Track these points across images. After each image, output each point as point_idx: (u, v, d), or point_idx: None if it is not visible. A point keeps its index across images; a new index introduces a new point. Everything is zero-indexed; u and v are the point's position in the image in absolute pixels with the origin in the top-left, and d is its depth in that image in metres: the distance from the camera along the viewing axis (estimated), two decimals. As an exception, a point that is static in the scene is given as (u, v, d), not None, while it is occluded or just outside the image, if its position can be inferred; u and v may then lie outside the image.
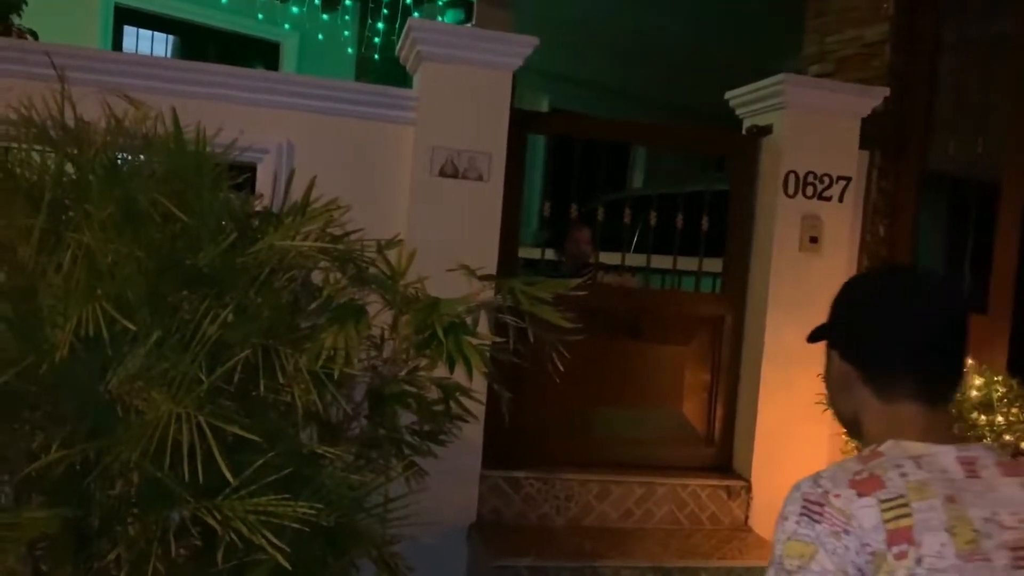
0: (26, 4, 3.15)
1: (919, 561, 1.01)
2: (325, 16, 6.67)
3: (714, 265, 3.78)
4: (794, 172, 3.48)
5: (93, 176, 1.72)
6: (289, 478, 1.63)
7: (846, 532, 1.03)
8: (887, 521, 1.02)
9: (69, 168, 1.77)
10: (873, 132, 3.65)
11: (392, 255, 2.04)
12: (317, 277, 1.98)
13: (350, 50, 6.86)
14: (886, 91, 3.59)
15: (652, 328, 3.60)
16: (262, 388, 1.71)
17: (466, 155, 3.15)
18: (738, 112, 3.79)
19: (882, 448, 1.12)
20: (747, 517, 3.50)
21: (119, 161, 1.80)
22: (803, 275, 3.44)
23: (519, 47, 3.16)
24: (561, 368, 2.00)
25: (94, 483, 1.65)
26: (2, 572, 1.58)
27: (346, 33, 6.82)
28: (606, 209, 3.77)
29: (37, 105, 1.80)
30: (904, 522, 1.02)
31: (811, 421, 3.32)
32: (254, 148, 2.82)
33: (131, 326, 1.60)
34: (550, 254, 4.33)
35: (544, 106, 7.81)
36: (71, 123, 1.80)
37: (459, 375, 1.89)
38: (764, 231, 3.57)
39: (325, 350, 1.73)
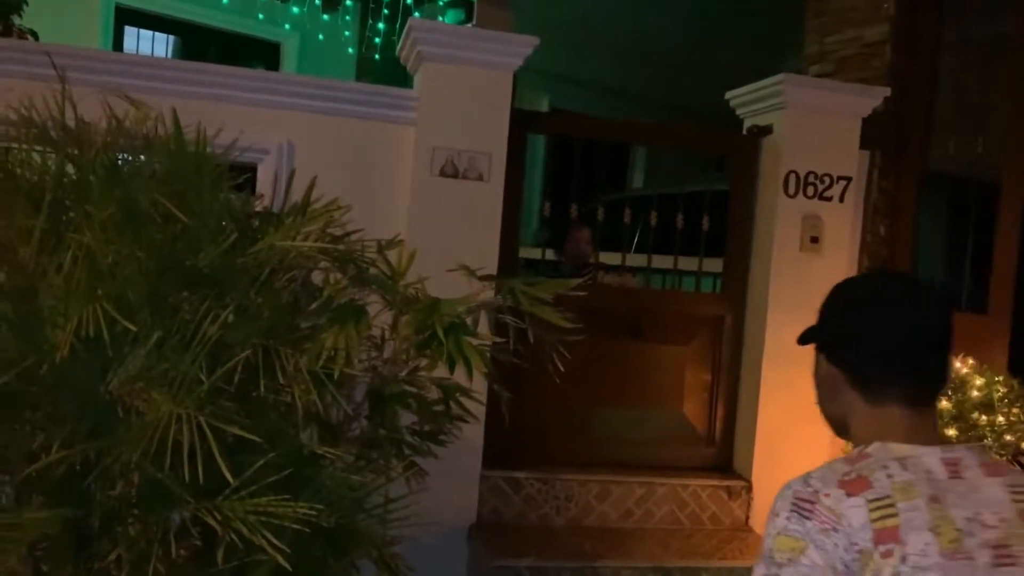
0: (26, 4, 3.15)
1: (904, 559, 1.04)
2: (326, 16, 6.67)
3: (714, 265, 3.77)
4: (794, 172, 3.47)
5: (94, 177, 1.72)
6: (289, 479, 1.63)
7: (835, 530, 1.06)
8: (874, 520, 1.06)
9: (70, 169, 1.77)
10: (873, 132, 3.65)
11: (392, 255, 2.04)
12: (317, 277, 1.98)
13: (351, 50, 6.86)
14: (886, 91, 3.59)
15: (652, 328, 3.60)
16: (262, 389, 1.71)
17: (466, 155, 3.15)
18: (738, 112, 3.79)
19: (869, 450, 1.16)
20: (748, 517, 3.50)
21: (120, 162, 1.80)
22: (803, 275, 3.44)
23: (519, 47, 3.16)
24: (561, 368, 2.00)
25: (94, 484, 1.65)
26: (3, 572, 1.58)
27: (347, 33, 6.82)
28: (606, 209, 3.77)
29: (38, 105, 1.80)
30: (890, 522, 1.05)
31: (811, 421, 3.24)
32: (254, 148, 2.82)
33: (132, 327, 1.60)
34: (550, 254, 4.33)
35: (544, 106, 7.80)
36: (72, 124, 1.80)
37: (459, 375, 1.89)
38: (764, 231, 3.57)
39: (325, 350, 1.73)
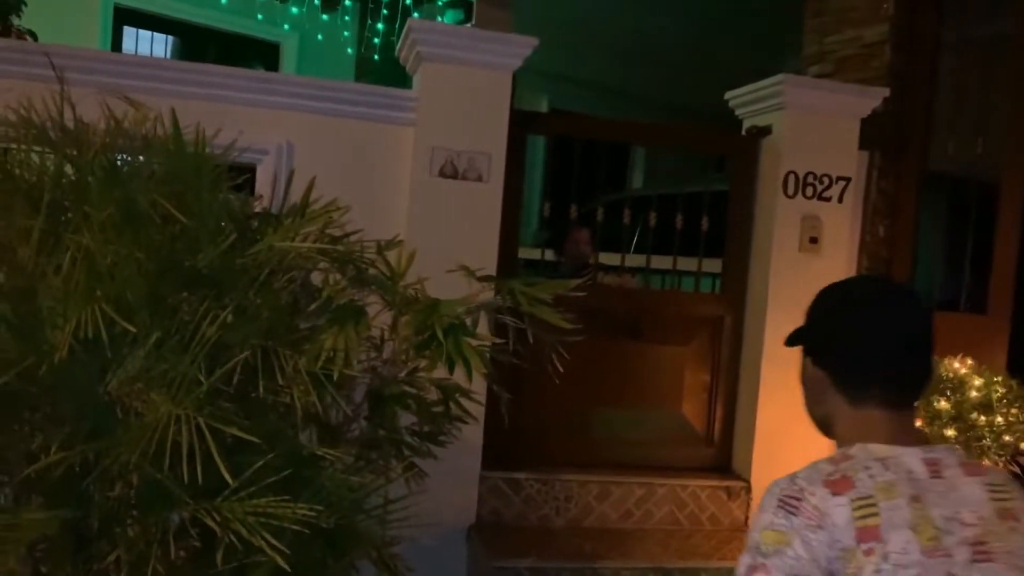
0: (25, 5, 3.15)
1: (885, 557, 1.07)
2: (325, 16, 6.68)
3: (714, 265, 3.77)
4: (794, 172, 3.47)
5: (92, 177, 1.72)
6: (289, 479, 1.63)
7: (820, 527, 1.10)
8: (857, 519, 1.09)
9: (68, 169, 1.77)
10: (873, 132, 3.65)
11: (392, 256, 2.03)
12: (317, 278, 1.97)
13: (350, 51, 6.87)
14: (886, 91, 3.59)
15: (652, 329, 3.60)
16: (261, 389, 1.71)
17: (466, 156, 3.14)
18: (738, 112, 3.79)
19: (852, 451, 1.20)
20: (747, 518, 3.50)
21: (118, 162, 1.80)
22: (803, 275, 3.44)
23: (519, 47, 3.16)
24: (561, 369, 2.00)
25: (93, 484, 1.65)
26: (2, 573, 1.58)
27: (346, 34, 6.83)
28: (606, 209, 3.76)
29: (36, 106, 1.79)
30: (872, 520, 1.09)
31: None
32: (253, 149, 2.82)
33: (131, 327, 1.60)
34: (550, 255, 4.33)
35: (544, 106, 7.81)
36: (70, 124, 1.80)
37: (459, 376, 1.89)
38: (764, 231, 3.57)
39: (325, 351, 1.73)
